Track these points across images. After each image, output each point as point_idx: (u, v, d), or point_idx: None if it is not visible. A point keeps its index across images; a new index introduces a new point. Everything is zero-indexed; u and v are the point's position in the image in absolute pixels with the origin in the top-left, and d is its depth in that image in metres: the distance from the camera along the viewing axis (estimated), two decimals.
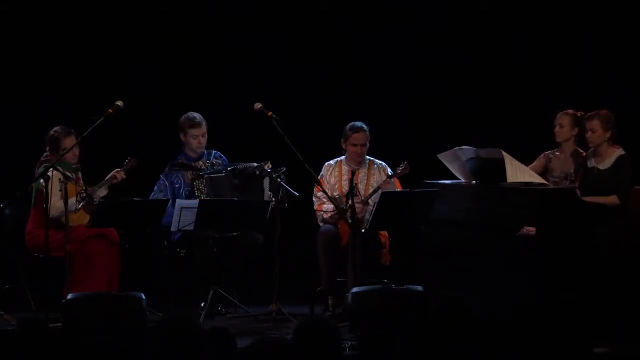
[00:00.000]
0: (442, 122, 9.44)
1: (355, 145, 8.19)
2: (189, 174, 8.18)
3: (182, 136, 8.24)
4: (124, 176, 7.86)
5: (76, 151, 7.80)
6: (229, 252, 7.95)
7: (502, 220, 7.32)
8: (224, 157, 8.37)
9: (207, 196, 8.01)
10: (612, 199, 7.48)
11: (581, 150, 7.82)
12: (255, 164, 8.03)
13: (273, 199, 7.81)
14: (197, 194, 8.08)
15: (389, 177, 8.15)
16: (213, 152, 8.37)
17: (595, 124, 7.57)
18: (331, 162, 8.38)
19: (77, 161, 7.85)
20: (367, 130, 8.19)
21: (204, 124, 8.19)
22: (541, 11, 9.46)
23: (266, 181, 8.01)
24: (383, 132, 8.48)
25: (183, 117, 8.22)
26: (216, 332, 4.56)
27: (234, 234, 7.89)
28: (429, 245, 7.73)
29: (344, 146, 8.25)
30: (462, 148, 7.66)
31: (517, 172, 7.42)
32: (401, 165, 8.13)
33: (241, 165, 8.09)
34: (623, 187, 7.50)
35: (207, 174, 8.12)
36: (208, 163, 8.28)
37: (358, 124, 8.19)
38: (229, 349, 4.48)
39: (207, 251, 7.88)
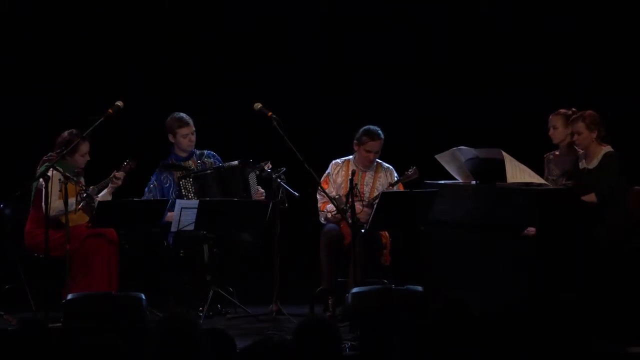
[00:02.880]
0: (441, 122, 9.43)
1: (369, 151, 8.13)
2: (178, 174, 8.17)
3: (170, 137, 8.20)
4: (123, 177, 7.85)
5: (87, 156, 7.77)
6: (224, 252, 7.95)
7: (502, 220, 7.32)
8: (217, 157, 8.34)
9: (195, 195, 8.01)
10: (590, 198, 7.42)
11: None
12: (237, 162, 8.02)
13: (261, 190, 7.83)
14: (184, 193, 8.06)
15: (393, 184, 8.09)
16: (205, 152, 8.33)
17: (580, 126, 7.53)
18: (339, 160, 8.31)
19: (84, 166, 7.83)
20: (383, 138, 8.12)
21: (191, 122, 8.17)
22: (541, 11, 9.46)
23: (252, 176, 8.01)
24: (383, 132, 8.46)
25: (169, 119, 8.19)
26: (214, 333, 4.57)
27: (225, 233, 7.89)
28: (429, 245, 7.73)
29: (356, 148, 8.17)
30: (460, 148, 7.65)
31: (517, 172, 7.41)
32: (410, 170, 8.09)
33: (227, 164, 8.09)
34: (602, 185, 7.40)
35: (193, 172, 8.11)
36: (199, 163, 8.26)
37: (374, 129, 8.09)
38: (227, 350, 4.48)
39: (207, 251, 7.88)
